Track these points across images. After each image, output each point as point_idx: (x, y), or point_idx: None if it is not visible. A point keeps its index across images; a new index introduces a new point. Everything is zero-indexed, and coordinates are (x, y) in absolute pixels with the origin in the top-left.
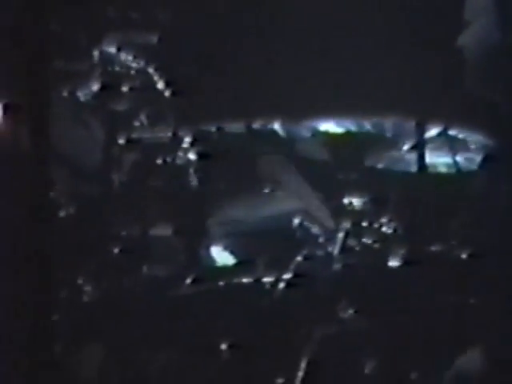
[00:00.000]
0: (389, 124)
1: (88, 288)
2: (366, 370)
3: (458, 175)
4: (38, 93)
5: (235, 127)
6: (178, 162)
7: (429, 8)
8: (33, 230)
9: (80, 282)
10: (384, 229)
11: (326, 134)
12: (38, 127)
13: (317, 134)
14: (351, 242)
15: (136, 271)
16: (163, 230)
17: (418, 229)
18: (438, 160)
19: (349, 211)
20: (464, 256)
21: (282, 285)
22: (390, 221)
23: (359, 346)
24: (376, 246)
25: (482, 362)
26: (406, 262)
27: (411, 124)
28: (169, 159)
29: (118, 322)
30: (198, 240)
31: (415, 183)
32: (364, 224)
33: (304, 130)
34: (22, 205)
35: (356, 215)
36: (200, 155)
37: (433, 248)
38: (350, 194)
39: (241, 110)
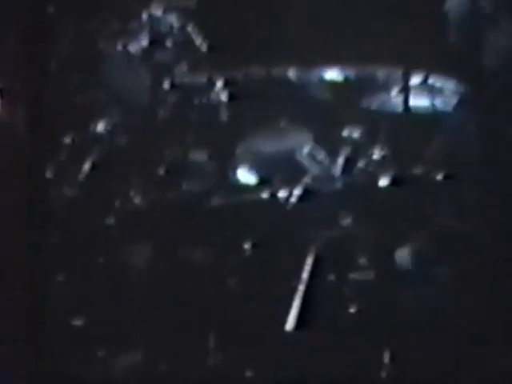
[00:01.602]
0: (380, 73)
1: (138, 199)
2: (360, 262)
3: (435, 115)
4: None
5: (257, 74)
6: (212, 101)
7: None
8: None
9: (132, 194)
10: (375, 156)
11: (330, 80)
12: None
13: (322, 80)
14: (349, 165)
15: (177, 187)
16: (199, 156)
17: (402, 156)
18: (420, 103)
19: (347, 141)
20: (439, 177)
21: (293, 199)
22: (380, 149)
23: (355, 246)
24: (369, 169)
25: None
26: (392, 182)
27: (399, 73)
28: (204, 100)
29: (162, 227)
30: (227, 163)
31: (401, 121)
32: (359, 151)
33: (312, 76)
34: None
35: (353, 144)
36: (229, 96)
37: (414, 171)
38: (349, 128)
39: (262, 61)
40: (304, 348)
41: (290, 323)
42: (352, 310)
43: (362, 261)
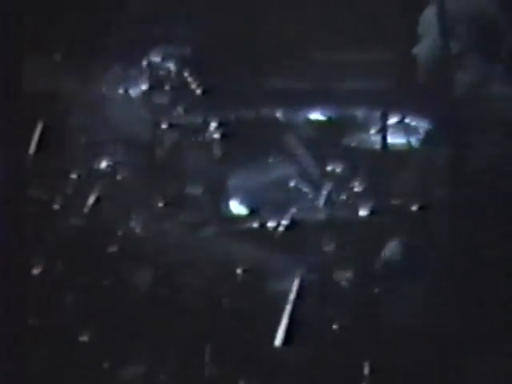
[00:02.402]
0: (360, 113)
1: (138, 229)
2: (342, 284)
3: (411, 151)
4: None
5: (248, 115)
6: (206, 140)
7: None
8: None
9: (132, 225)
10: (356, 189)
11: (314, 120)
12: None
13: (307, 120)
14: (332, 198)
15: (174, 219)
16: (195, 189)
17: (380, 189)
18: (396, 141)
19: (330, 176)
20: (414, 208)
21: (281, 228)
22: (360, 183)
23: (337, 268)
24: (350, 201)
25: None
26: (371, 212)
27: (377, 113)
28: (199, 138)
29: (160, 252)
30: (220, 196)
31: (379, 157)
32: (341, 185)
33: (298, 117)
34: None
35: (335, 179)
36: (222, 135)
37: (392, 202)
38: (332, 163)
39: (252, 103)
40: (291, 362)
41: (279, 339)
42: (335, 327)
43: (344, 283)
